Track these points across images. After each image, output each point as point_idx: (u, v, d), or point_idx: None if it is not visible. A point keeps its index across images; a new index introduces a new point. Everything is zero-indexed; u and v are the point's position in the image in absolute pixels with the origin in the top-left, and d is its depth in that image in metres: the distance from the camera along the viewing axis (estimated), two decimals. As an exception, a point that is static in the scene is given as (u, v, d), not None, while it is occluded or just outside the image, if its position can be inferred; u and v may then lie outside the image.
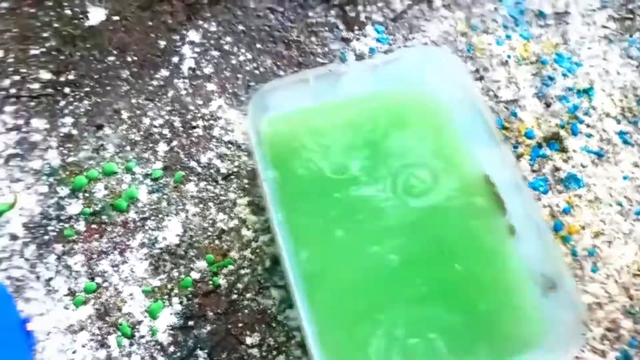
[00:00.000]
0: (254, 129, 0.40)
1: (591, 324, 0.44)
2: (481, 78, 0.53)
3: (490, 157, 0.42)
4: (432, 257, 0.40)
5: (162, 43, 0.53)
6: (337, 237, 0.41)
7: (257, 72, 0.52)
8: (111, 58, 0.51)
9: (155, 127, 0.49)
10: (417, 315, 0.38)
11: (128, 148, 0.48)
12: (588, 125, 0.51)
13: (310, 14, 0.55)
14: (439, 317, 0.38)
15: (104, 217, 0.45)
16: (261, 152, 0.40)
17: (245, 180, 0.47)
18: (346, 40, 0.54)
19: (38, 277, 0.42)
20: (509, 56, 0.54)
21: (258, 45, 0.53)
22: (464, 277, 0.40)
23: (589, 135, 0.51)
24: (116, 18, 0.53)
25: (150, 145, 0.48)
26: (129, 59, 0.52)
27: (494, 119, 0.42)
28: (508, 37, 0.55)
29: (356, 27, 0.55)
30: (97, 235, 0.44)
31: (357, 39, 0.54)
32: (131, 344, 0.40)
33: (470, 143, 0.44)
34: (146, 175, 0.46)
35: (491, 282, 0.40)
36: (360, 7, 0.56)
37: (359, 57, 0.53)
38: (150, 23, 0.53)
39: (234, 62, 0.52)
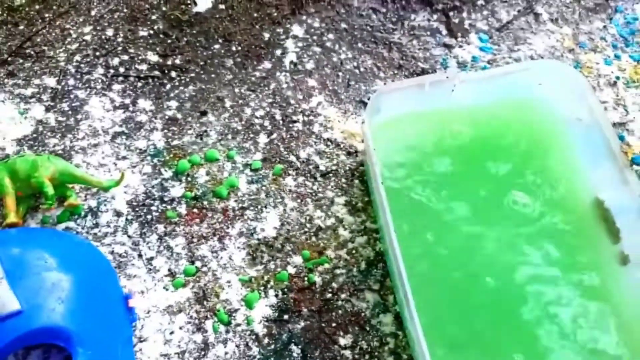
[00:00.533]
0: (369, 131, 0.40)
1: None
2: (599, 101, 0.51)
3: (606, 180, 0.41)
4: (535, 281, 0.39)
5: (267, 35, 0.53)
6: (441, 254, 0.40)
7: (357, 71, 0.52)
8: (216, 46, 0.52)
9: (256, 117, 0.49)
10: (520, 342, 0.37)
11: (230, 136, 0.48)
12: (698, 156, 0.49)
13: (413, 17, 0.55)
14: (547, 348, 0.37)
15: (204, 202, 0.45)
16: (375, 155, 0.39)
17: (344, 180, 0.47)
18: (448, 47, 0.53)
19: (140, 255, 0.42)
20: (617, 77, 0.52)
21: (359, 45, 0.53)
22: (568, 309, 0.39)
23: (699, 167, 0.49)
24: (223, 7, 0.54)
25: (251, 135, 0.48)
26: (233, 48, 0.52)
27: (618, 141, 0.41)
28: (617, 57, 0.53)
29: (459, 34, 0.54)
30: (197, 220, 0.44)
31: (460, 46, 0.53)
32: (227, 331, 0.40)
33: (584, 163, 0.43)
34: (246, 165, 0.47)
35: (600, 316, 0.39)
36: (464, 14, 0.55)
37: (461, 64, 0.52)
38: (255, 14, 0.54)
39: (335, 59, 0.52)
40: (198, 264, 0.43)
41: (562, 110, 0.43)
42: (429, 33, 0.54)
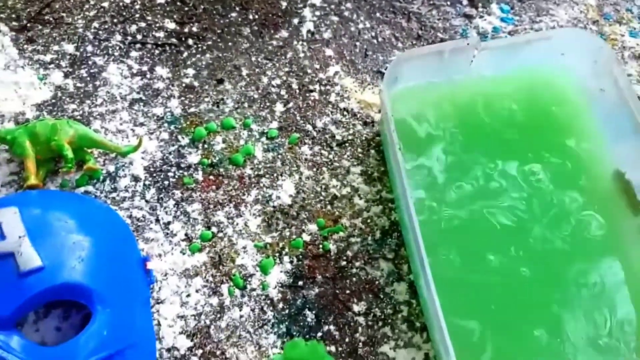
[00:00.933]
0: (387, 98, 0.39)
1: None
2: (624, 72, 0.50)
3: (629, 154, 0.40)
4: (552, 256, 0.39)
5: (284, 3, 0.52)
6: (456, 225, 0.40)
7: (375, 41, 0.51)
8: (233, 14, 0.52)
9: (273, 87, 0.49)
10: (538, 315, 0.37)
11: (246, 105, 0.48)
12: None
13: (434, -14, 0.54)
14: (566, 322, 0.37)
15: (221, 169, 0.45)
16: (393, 122, 0.39)
17: (360, 149, 0.46)
18: (468, 17, 0.52)
19: (157, 220, 0.43)
20: (643, 50, 0.51)
21: (377, 15, 0.52)
22: (589, 281, 0.38)
23: None
24: (240, -26, 0.53)
25: (268, 104, 0.48)
26: (250, 16, 0.52)
27: (642, 113, 0.40)
28: (643, 29, 0.52)
29: (480, 4, 0.53)
30: (214, 187, 0.45)
31: (481, 17, 0.52)
32: (242, 295, 0.41)
33: (607, 136, 0.42)
34: (262, 134, 0.47)
35: (619, 287, 0.38)
36: (486, -16, 0.54)
37: (482, 35, 0.51)
38: (273, -18, 0.53)
39: (352, 29, 0.52)
40: (214, 229, 0.43)
41: (585, 80, 0.42)
42: (449, 3, 0.53)
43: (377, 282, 0.42)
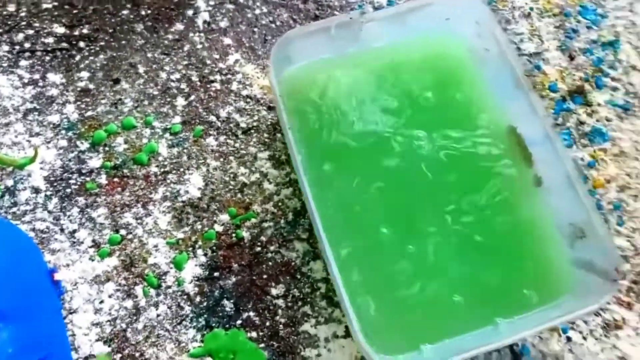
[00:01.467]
0: (276, 80, 0.39)
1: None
2: (503, 31, 0.51)
3: (518, 108, 0.41)
4: (457, 206, 0.40)
5: (177, -4, 0.51)
6: (359, 186, 0.40)
7: (273, 25, 0.51)
8: (125, 12, 0.50)
9: (172, 81, 0.48)
10: (442, 260, 0.39)
11: (146, 102, 0.47)
12: (613, 79, 0.50)
13: (328, -35, 0.54)
14: (466, 266, 0.38)
15: (125, 170, 0.44)
16: (284, 103, 0.39)
17: (266, 135, 0.46)
18: (365, -7, 0.53)
19: (62, 229, 0.42)
20: (531, 8, 0.52)
21: (275, -2, 0.52)
22: (489, 228, 0.40)
23: (615, 89, 0.50)
24: (129, -30, 0.52)
25: (168, 99, 0.47)
26: (142, 12, 0.50)
27: (522, 69, 0.41)
28: (531, -12, 0.53)
29: (375, -21, 0.53)
30: (119, 189, 0.44)
31: (376, -9, 0.53)
32: (158, 294, 0.40)
33: (498, 93, 0.43)
34: (165, 130, 0.46)
35: (517, 233, 0.40)
36: (379, -42, 0.54)
37: (378, 9, 0.52)
38: (164, -25, 0.52)
39: (249, 15, 0.51)
40: (123, 232, 0.42)
41: (472, 43, 0.43)
42: (344, -20, 0.53)
43: (293, 264, 0.42)
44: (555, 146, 0.38)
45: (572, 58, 0.51)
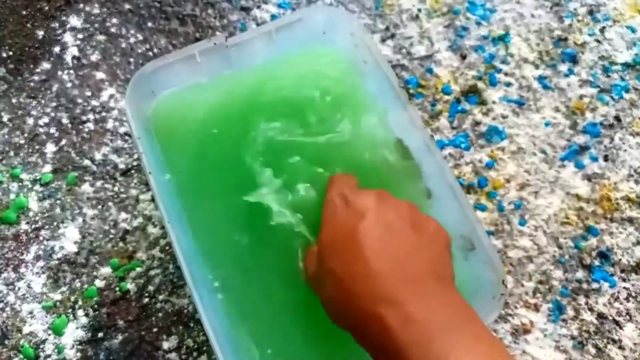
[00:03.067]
0: (137, 117, 0.36)
1: (522, 278, 0.43)
2: (392, 36, 0.50)
3: (399, 120, 0.40)
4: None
5: (40, 33, 0.47)
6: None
7: (150, 53, 0.48)
8: (-17, 55, 0.46)
9: (40, 126, 0.44)
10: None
11: (12, 153, 0.43)
12: (506, 74, 0.49)
13: (206, -16, 0.51)
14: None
15: (-9, 232, 0.40)
16: (141, 145, 0.35)
17: (148, 174, 0.43)
18: (246, 10, 0.50)
19: None
20: (419, 10, 0.51)
21: (149, 24, 0.49)
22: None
23: (508, 84, 0.49)
24: (-16, 9, 0.48)
25: (37, 147, 0.43)
26: (4, 54, 0.46)
27: (396, 80, 0.39)
28: (418, -11, 0.52)
29: (256, -6, 0.51)
30: (-16, 254, 0.40)
31: (258, 7, 0.50)
32: (34, 367, 0.37)
33: (381, 105, 0.42)
34: (35, 181, 0.42)
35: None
36: (258, -28, 0.52)
37: (261, 24, 0.49)
38: (24, 12, 0.48)
39: (123, 45, 0.48)
40: (-8, 301, 0.39)
41: (350, 55, 0.41)
42: (224, -2, 0.51)
43: (185, 311, 0.39)
44: (435, 158, 0.37)
45: (463, 57, 0.50)
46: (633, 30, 0.52)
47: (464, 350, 0.25)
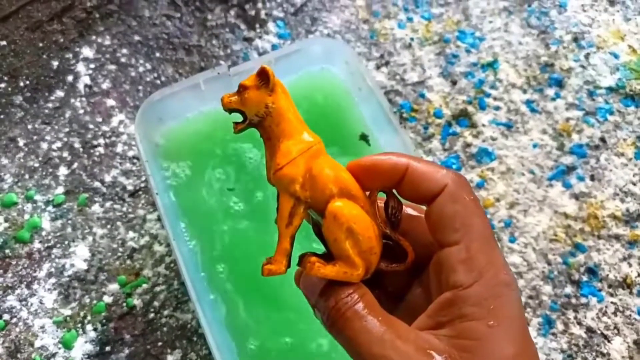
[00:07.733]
0: (145, 142, 0.39)
1: (513, 293, 0.44)
2: (386, 63, 0.53)
3: (393, 144, 0.42)
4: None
5: (55, 63, 0.50)
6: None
7: (158, 82, 0.51)
8: (2, 85, 0.49)
9: (54, 150, 0.47)
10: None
11: (27, 176, 0.46)
12: (495, 98, 0.52)
13: (209, 16, 0.54)
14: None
15: (7, 250, 0.43)
16: (149, 168, 0.38)
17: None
18: (248, 40, 0.53)
19: (-63, 324, 0.40)
20: (412, 39, 0.54)
21: (157, 54, 0.52)
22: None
23: (497, 108, 0.52)
24: (4, 43, 0.51)
25: (50, 170, 0.46)
26: (21, 83, 0.49)
27: (389, 105, 0.42)
28: (410, 19, 0.55)
29: (257, 25, 0.54)
30: (1, 271, 0.42)
31: (260, 37, 0.53)
32: (44, 380, 0.39)
33: (376, 130, 0.44)
34: (48, 202, 0.45)
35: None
36: (259, 5, 0.55)
37: (262, 55, 0.52)
38: (41, 44, 0.51)
39: (132, 74, 0.51)
40: (6, 316, 0.40)
41: (346, 82, 0.44)
42: (227, 29, 0.54)
43: (189, 326, 0.41)
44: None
45: (454, 83, 0.52)
46: (616, 56, 0.54)
47: None
